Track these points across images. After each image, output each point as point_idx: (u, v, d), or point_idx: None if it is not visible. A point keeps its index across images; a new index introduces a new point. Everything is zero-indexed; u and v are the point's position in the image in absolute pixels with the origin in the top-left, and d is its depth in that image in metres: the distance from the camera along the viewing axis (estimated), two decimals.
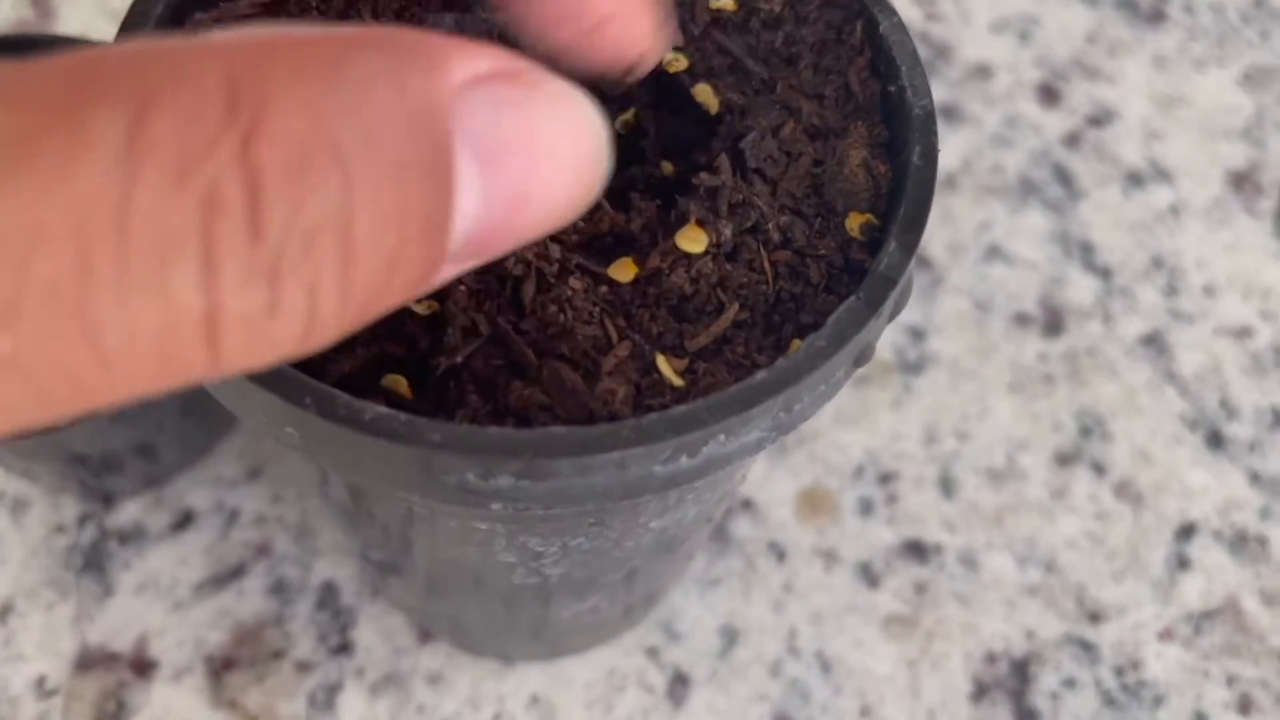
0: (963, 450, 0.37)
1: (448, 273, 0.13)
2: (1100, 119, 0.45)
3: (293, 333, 0.11)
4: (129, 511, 0.35)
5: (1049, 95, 0.45)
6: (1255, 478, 0.38)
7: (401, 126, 0.12)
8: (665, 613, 0.34)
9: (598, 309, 0.20)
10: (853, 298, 0.19)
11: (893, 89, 0.22)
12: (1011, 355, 0.39)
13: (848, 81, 0.23)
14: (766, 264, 0.21)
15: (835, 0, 0.24)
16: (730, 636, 0.34)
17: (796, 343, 0.20)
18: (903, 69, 0.22)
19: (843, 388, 0.20)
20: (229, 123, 0.11)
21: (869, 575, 0.35)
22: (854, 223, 0.21)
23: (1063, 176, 0.43)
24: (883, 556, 0.36)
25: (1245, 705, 0.34)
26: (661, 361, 0.20)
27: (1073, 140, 0.44)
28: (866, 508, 0.36)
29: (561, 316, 0.20)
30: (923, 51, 0.45)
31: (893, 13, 0.23)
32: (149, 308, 0.10)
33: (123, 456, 0.33)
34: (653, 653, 0.34)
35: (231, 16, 0.22)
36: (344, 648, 0.33)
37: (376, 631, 0.34)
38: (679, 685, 0.33)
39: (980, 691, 0.34)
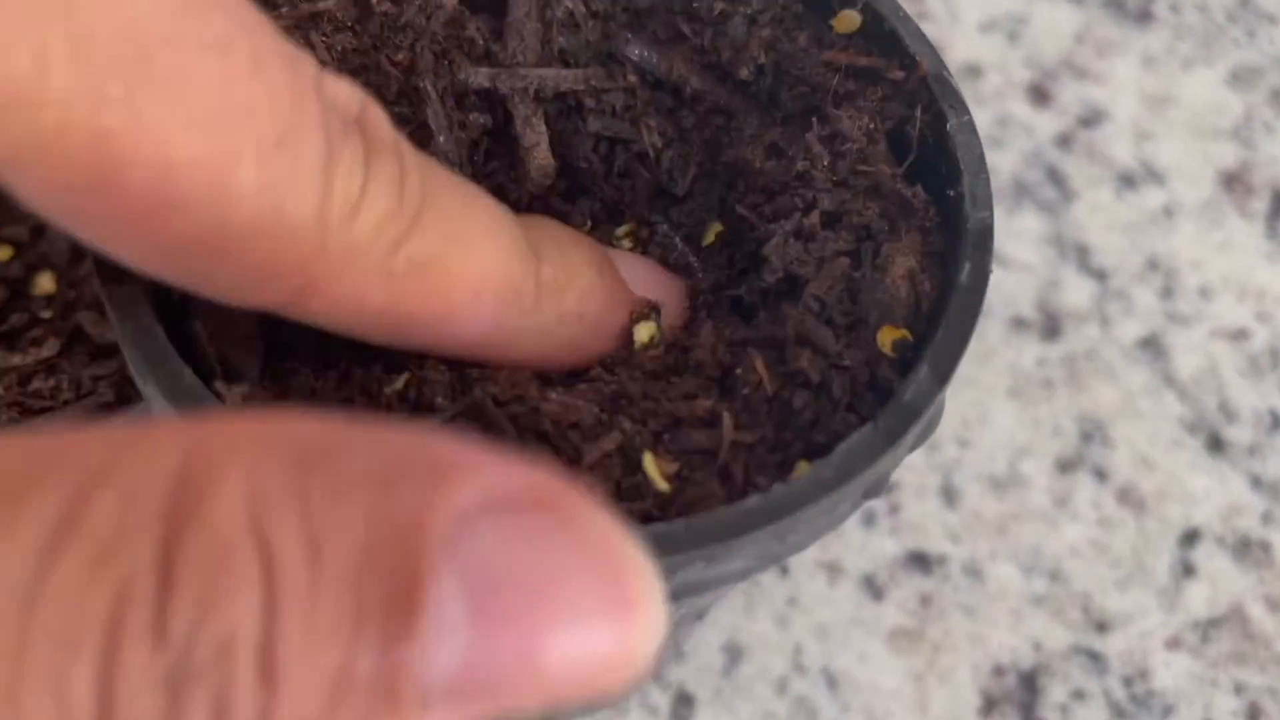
0: (964, 458, 0.37)
1: (433, 718, 0.11)
2: (1091, 119, 0.44)
3: None
4: None
5: (1039, 96, 0.45)
6: (1256, 482, 0.37)
7: (358, 542, 0.10)
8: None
9: (591, 393, 0.19)
10: (869, 426, 0.17)
11: (951, 194, 0.20)
12: (1010, 360, 0.39)
13: (900, 182, 0.21)
14: (768, 378, 0.19)
15: (903, 88, 0.21)
16: (734, 654, 0.33)
17: (804, 465, 0.18)
18: (965, 174, 0.20)
19: (848, 519, 0.18)
20: (167, 509, 0.10)
21: (873, 588, 0.35)
22: (886, 338, 0.19)
23: (1055, 178, 0.43)
24: (886, 568, 0.35)
25: (1254, 713, 0.33)
26: (649, 461, 0.18)
27: (1064, 141, 0.44)
28: (869, 518, 0.36)
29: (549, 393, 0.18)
30: None
31: (964, 110, 0.21)
32: (40, 709, 0.09)
33: None
34: (654, 671, 0.33)
35: None
36: None
37: None
38: (683, 705, 0.33)
39: (989, 705, 0.33)
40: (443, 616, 0.10)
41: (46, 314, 0.27)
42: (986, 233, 0.20)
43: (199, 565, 0.10)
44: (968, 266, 0.19)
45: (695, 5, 0.22)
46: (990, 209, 0.20)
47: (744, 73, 0.22)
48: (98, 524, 0.09)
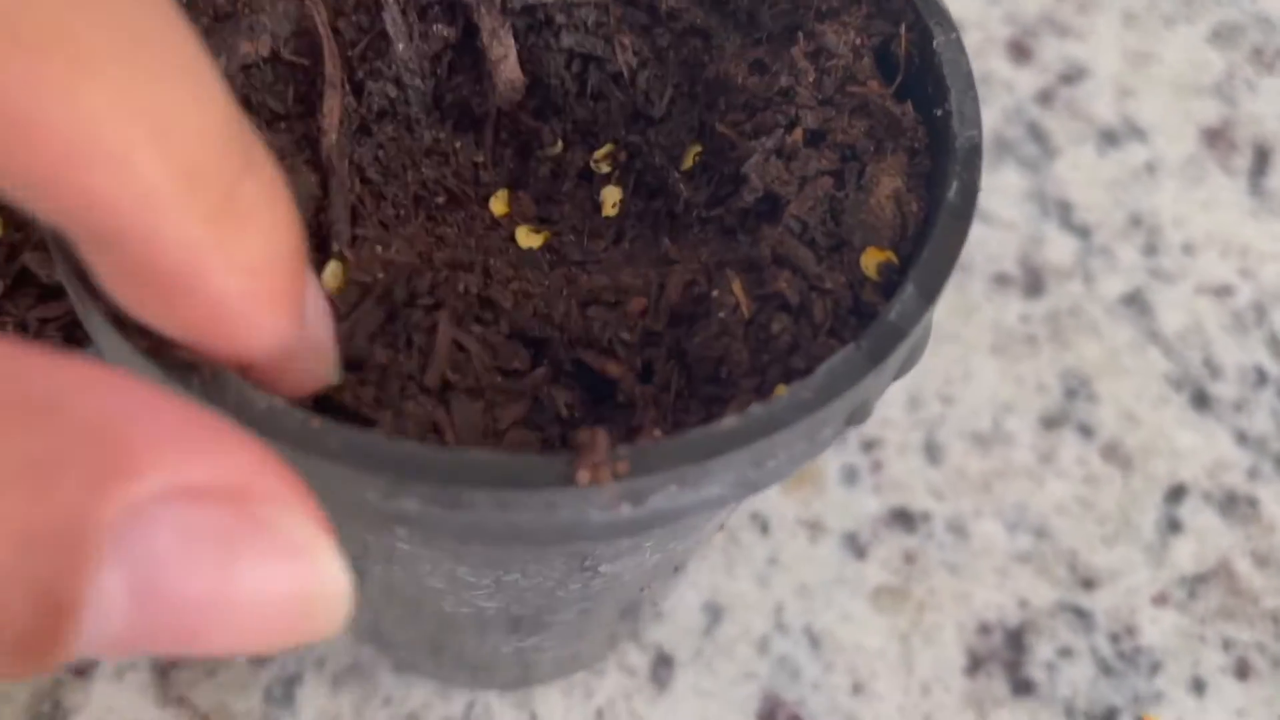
0: (947, 415, 0.36)
1: (95, 655, 0.10)
2: (1072, 76, 0.44)
3: None
4: None
5: (1020, 52, 0.44)
6: (1242, 437, 0.37)
7: (6, 555, 0.09)
8: None
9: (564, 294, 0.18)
10: (851, 345, 0.16)
11: (939, 113, 0.19)
12: (993, 316, 0.38)
13: (889, 100, 0.20)
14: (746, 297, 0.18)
15: (887, 6, 0.21)
16: (714, 613, 0.32)
17: (781, 388, 0.17)
18: (953, 92, 0.19)
19: (830, 446, 0.17)
20: None
21: (856, 546, 0.34)
22: (870, 260, 0.18)
23: (1037, 134, 0.42)
24: (869, 526, 0.34)
25: (1243, 669, 0.33)
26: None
27: (1045, 98, 0.43)
28: (851, 476, 0.35)
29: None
30: None
31: (951, 27, 0.20)
32: None
33: None
34: (633, 632, 0.32)
35: None
36: None
37: None
38: (662, 667, 0.32)
39: (975, 664, 0.32)
40: (99, 609, 0.10)
41: None
42: (975, 151, 0.19)
43: None
44: (955, 185, 0.18)
45: None
46: (979, 127, 0.19)
47: None
48: None
